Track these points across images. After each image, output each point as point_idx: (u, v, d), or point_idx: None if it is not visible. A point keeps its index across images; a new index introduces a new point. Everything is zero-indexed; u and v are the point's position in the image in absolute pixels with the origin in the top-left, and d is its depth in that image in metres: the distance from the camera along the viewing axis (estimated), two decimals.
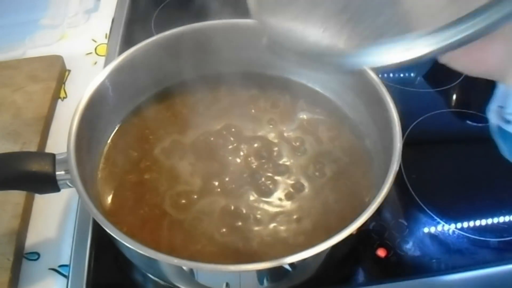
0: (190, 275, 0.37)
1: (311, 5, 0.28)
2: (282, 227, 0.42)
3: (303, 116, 0.51)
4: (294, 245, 0.41)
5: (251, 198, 0.44)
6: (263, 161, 0.47)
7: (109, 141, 0.48)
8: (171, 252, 0.37)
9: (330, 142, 0.49)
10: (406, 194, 0.51)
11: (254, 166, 0.46)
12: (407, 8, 0.25)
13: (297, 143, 0.48)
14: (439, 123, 0.59)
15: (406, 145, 0.41)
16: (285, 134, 0.49)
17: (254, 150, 0.48)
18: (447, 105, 0.62)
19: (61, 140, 0.41)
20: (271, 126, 0.50)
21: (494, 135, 0.31)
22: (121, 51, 0.60)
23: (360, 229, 0.36)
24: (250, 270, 0.35)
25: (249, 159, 0.47)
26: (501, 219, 0.49)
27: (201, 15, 0.52)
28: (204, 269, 0.35)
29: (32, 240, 0.48)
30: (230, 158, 0.47)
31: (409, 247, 0.46)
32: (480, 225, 0.49)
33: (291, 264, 0.35)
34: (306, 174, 0.46)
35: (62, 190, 0.41)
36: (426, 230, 0.48)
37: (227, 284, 0.37)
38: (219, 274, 0.36)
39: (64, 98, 0.62)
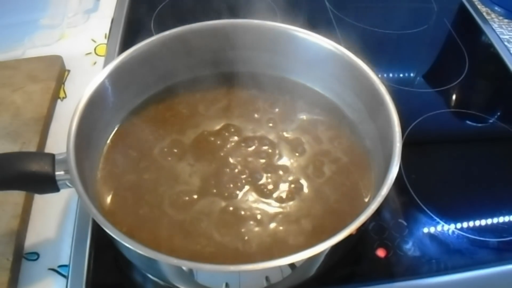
0: (189, 275, 0.37)
1: None
2: (281, 228, 0.42)
3: (303, 116, 0.51)
4: (293, 245, 0.41)
5: (251, 198, 0.44)
6: (263, 161, 0.47)
7: (108, 141, 0.48)
8: (170, 252, 0.37)
9: (330, 142, 0.49)
10: (405, 194, 0.51)
11: (254, 166, 0.46)
12: None
13: (297, 143, 0.48)
14: (439, 123, 0.59)
15: (405, 145, 0.41)
16: (285, 134, 0.49)
17: (254, 150, 0.48)
18: (447, 105, 0.62)
19: (60, 140, 0.41)
20: (270, 126, 0.50)
21: None
22: (120, 51, 0.60)
23: (359, 229, 0.36)
24: (250, 271, 0.35)
25: (249, 159, 0.47)
26: (501, 219, 0.49)
27: (201, 15, 0.53)
28: (204, 269, 0.35)
29: (31, 240, 0.48)
30: (229, 158, 0.47)
31: (409, 247, 0.46)
32: (480, 225, 0.49)
33: (290, 265, 0.35)
34: (306, 174, 0.46)
35: (61, 190, 0.41)
36: (425, 230, 0.48)
37: (226, 284, 0.37)
38: (219, 275, 0.36)
39: (63, 98, 0.62)
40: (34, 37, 0.69)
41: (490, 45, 0.70)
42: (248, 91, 0.53)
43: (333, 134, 0.49)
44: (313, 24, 0.52)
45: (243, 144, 0.48)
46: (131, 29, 0.70)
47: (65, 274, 0.45)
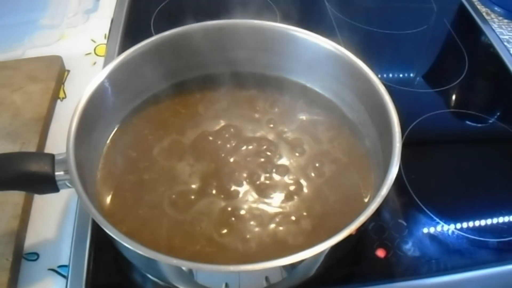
0: (189, 275, 0.37)
1: None
2: (281, 228, 0.42)
3: (303, 116, 0.51)
4: (293, 245, 0.41)
5: (250, 198, 0.44)
6: (263, 161, 0.47)
7: (108, 141, 0.48)
8: (170, 252, 0.37)
9: (329, 143, 0.49)
10: (405, 195, 0.51)
11: (254, 167, 0.46)
12: None
13: (297, 144, 0.48)
14: (439, 123, 0.59)
15: (405, 145, 0.41)
16: (285, 135, 0.49)
17: (254, 150, 0.48)
18: (447, 105, 0.62)
19: (60, 140, 0.41)
20: (270, 126, 0.50)
21: None
22: (120, 52, 0.60)
23: (359, 230, 0.36)
24: (250, 271, 0.35)
25: (248, 159, 0.47)
26: (501, 219, 0.49)
27: (200, 15, 0.53)
28: (204, 270, 0.35)
29: (31, 240, 0.48)
30: (229, 158, 0.47)
31: (409, 247, 0.46)
32: (480, 226, 0.49)
33: (290, 265, 0.35)
34: (306, 174, 0.46)
35: (61, 191, 0.41)
36: (425, 230, 0.48)
37: (226, 285, 0.37)
38: (219, 275, 0.36)
39: (63, 98, 0.62)
40: (34, 37, 0.69)
41: (490, 45, 0.70)
42: (248, 91, 0.53)
43: (333, 134, 0.49)
44: (313, 24, 0.52)
45: (242, 145, 0.48)
46: (131, 29, 0.70)
47: (65, 274, 0.45)
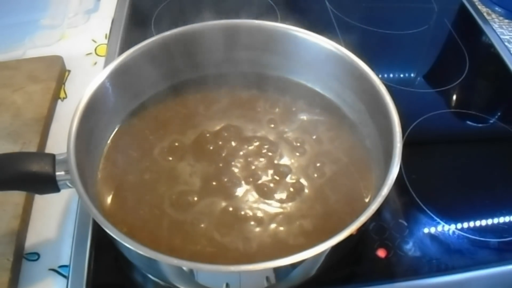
0: (190, 275, 0.37)
1: None
2: (282, 228, 0.42)
3: (303, 116, 0.51)
4: (294, 245, 0.41)
5: (251, 198, 0.44)
6: (263, 161, 0.47)
7: (109, 141, 0.48)
8: (171, 252, 0.37)
9: (330, 143, 0.49)
10: (406, 195, 0.51)
11: (254, 167, 0.46)
12: None
13: (297, 144, 0.48)
14: (439, 123, 0.59)
15: (406, 145, 0.41)
16: (285, 135, 0.49)
17: (254, 150, 0.48)
18: (447, 105, 0.62)
19: (61, 140, 0.41)
20: (271, 127, 0.50)
21: None
22: (121, 52, 0.60)
23: (360, 230, 0.36)
24: (250, 271, 0.35)
25: (249, 159, 0.47)
26: (501, 219, 0.49)
27: (201, 15, 0.53)
28: (204, 270, 0.35)
29: (32, 240, 0.48)
30: (230, 158, 0.47)
31: (409, 247, 0.46)
32: (480, 226, 0.49)
33: (291, 265, 0.35)
34: (306, 174, 0.46)
35: (62, 191, 0.41)
36: (426, 230, 0.48)
37: (227, 285, 0.37)
38: (219, 275, 0.36)
39: (64, 98, 0.62)
40: (35, 37, 0.69)
41: (491, 45, 0.70)
42: (249, 91, 0.53)
43: (334, 134, 0.49)
44: (314, 24, 0.52)
45: (243, 145, 0.48)
46: (132, 29, 0.70)
47: (66, 274, 0.46)
